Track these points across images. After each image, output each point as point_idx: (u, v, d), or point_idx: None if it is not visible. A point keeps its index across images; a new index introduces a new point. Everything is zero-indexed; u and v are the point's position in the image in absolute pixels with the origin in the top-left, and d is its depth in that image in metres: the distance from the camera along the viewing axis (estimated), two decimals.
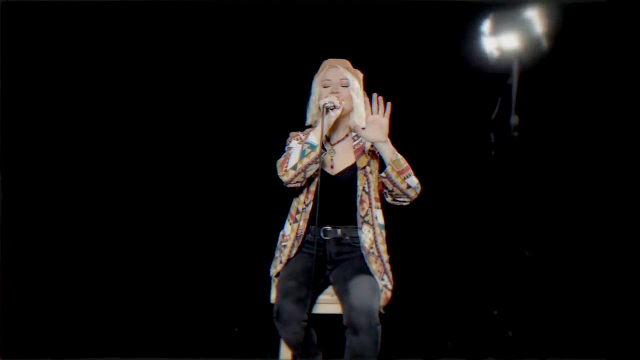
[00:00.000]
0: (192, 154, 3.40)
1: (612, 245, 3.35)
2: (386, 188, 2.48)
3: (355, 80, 2.58)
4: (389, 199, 2.53)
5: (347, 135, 2.63)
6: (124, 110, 3.33)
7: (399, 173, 2.40)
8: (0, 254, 3.10)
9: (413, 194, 2.47)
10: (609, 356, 3.08)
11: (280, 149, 2.58)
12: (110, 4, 3.21)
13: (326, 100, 2.45)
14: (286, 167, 2.44)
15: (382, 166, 2.45)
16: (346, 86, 2.55)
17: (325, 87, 2.56)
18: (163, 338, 3.25)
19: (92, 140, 3.31)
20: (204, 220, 3.42)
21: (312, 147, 2.42)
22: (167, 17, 3.30)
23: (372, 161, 2.54)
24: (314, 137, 2.44)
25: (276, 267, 2.52)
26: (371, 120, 2.41)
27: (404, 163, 2.43)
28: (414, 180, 2.45)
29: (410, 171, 2.45)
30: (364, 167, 2.52)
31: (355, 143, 2.59)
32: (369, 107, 2.41)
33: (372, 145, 2.54)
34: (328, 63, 2.61)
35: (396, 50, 3.44)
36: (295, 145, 2.50)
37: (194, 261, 3.39)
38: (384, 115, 2.41)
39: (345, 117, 2.59)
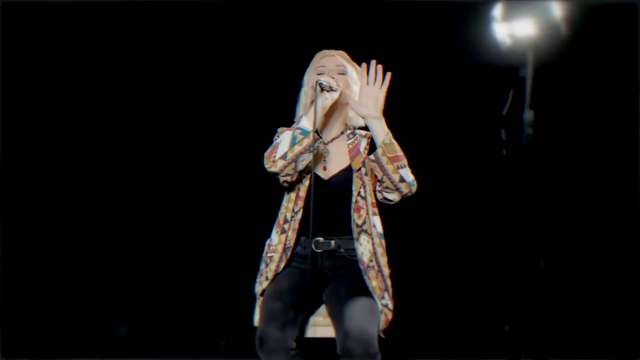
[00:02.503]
0: (177, 155, 3.44)
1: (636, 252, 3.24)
2: (376, 178, 2.24)
3: (353, 70, 2.36)
4: (378, 196, 2.30)
5: (342, 133, 2.41)
6: (121, 111, 3.42)
7: (391, 160, 2.16)
8: (0, 254, 3.17)
9: (406, 190, 2.22)
10: None
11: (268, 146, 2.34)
12: (110, 4, 3.29)
13: (322, 78, 2.22)
14: (274, 156, 2.19)
15: (373, 149, 2.22)
16: (343, 74, 2.33)
17: (319, 74, 2.33)
18: (162, 338, 3.32)
19: (91, 140, 3.39)
20: (189, 221, 3.45)
21: (305, 132, 2.17)
22: (164, 17, 3.35)
23: (367, 161, 2.31)
24: (307, 121, 2.20)
25: (261, 284, 2.29)
26: (365, 92, 2.17)
27: (398, 150, 2.18)
28: (409, 175, 2.21)
29: (406, 162, 2.19)
30: (359, 169, 2.30)
31: (350, 142, 2.37)
32: (365, 77, 2.16)
33: (368, 143, 2.34)
34: (322, 53, 2.40)
35: (394, 38, 3.32)
36: (284, 134, 2.25)
37: (186, 262, 3.44)
38: (380, 87, 2.16)
39: (342, 109, 2.37)
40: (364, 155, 2.31)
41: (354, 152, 2.33)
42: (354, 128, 2.39)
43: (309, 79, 2.38)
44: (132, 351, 3.24)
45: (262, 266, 2.33)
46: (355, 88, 2.32)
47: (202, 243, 3.42)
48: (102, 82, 3.38)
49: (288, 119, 2.45)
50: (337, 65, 2.33)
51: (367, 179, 2.29)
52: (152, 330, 3.37)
